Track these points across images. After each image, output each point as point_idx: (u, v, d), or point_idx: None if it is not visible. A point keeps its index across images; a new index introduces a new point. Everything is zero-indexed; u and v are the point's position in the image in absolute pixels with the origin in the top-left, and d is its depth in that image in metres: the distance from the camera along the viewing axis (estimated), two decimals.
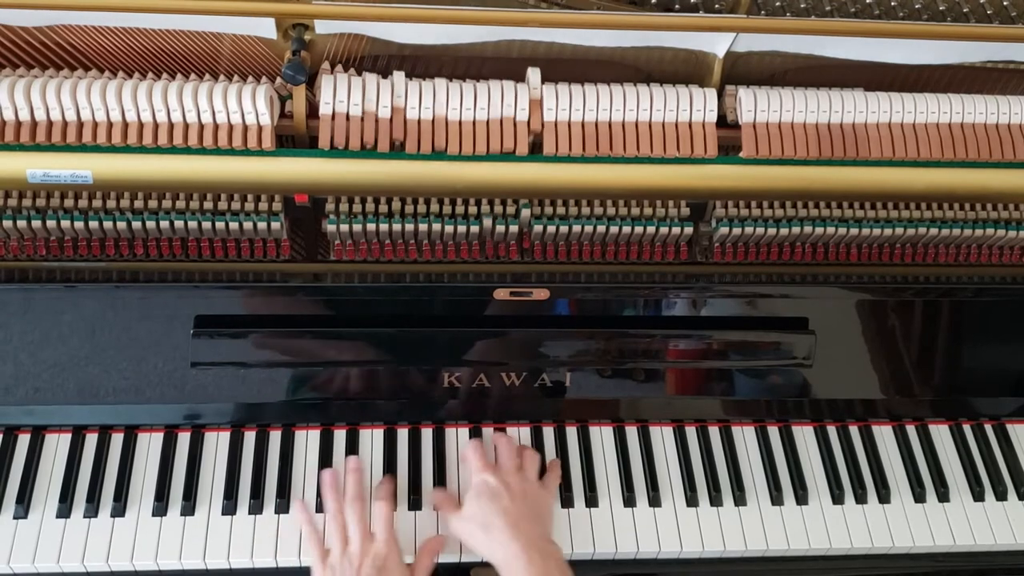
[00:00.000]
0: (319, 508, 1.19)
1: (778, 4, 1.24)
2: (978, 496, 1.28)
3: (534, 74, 1.18)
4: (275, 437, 1.25)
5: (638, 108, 1.18)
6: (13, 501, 1.17)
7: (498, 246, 1.24)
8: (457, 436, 1.27)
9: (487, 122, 1.17)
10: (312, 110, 1.16)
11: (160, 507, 1.18)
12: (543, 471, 1.24)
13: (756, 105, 1.20)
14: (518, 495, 1.15)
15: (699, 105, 1.19)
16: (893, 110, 1.22)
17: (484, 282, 1.22)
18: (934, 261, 1.31)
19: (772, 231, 1.25)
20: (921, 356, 1.32)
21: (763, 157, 1.20)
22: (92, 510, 1.17)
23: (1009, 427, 1.36)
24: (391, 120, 1.15)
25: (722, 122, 1.22)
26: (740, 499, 1.25)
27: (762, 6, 1.24)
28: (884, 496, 1.27)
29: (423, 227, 1.20)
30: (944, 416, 1.35)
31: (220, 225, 1.18)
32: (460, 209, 1.21)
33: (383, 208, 1.21)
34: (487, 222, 1.21)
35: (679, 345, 1.27)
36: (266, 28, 1.12)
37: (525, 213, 1.22)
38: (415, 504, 1.21)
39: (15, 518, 1.16)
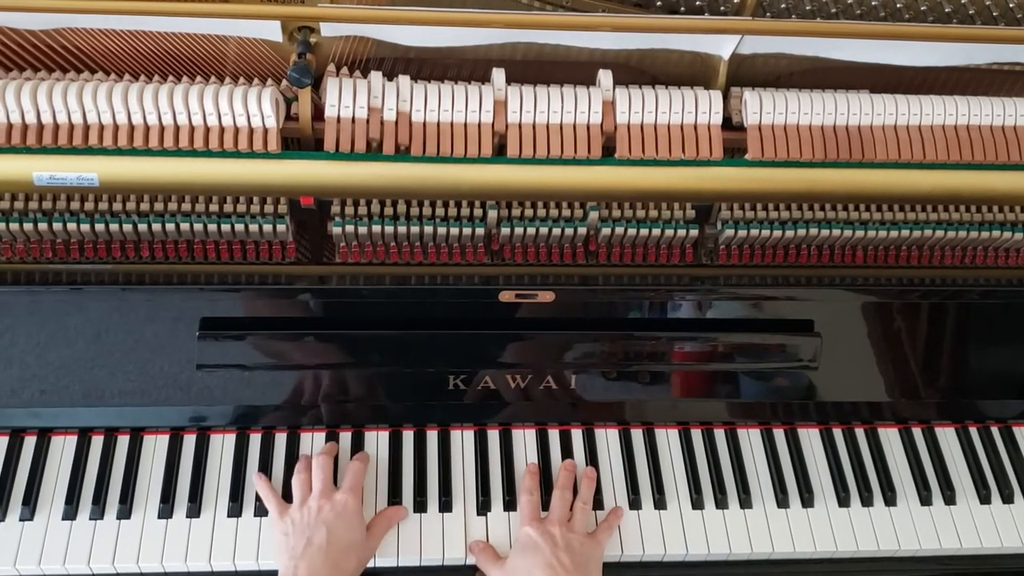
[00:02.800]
0: None
1: (783, 6, 1.25)
2: (984, 499, 1.28)
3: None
4: (280, 439, 1.25)
5: (643, 110, 1.18)
6: (19, 503, 1.17)
7: (503, 248, 1.24)
8: (462, 438, 1.27)
9: (492, 124, 1.17)
10: (318, 112, 1.17)
11: (166, 509, 1.18)
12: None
13: (761, 107, 1.20)
14: (561, 547, 1.13)
15: (704, 107, 1.19)
16: (899, 112, 1.22)
17: (489, 284, 1.22)
18: (940, 263, 1.31)
19: (777, 233, 1.25)
20: (927, 358, 1.32)
21: (769, 159, 1.20)
22: (98, 512, 1.17)
23: (1016, 430, 1.35)
24: (396, 122, 1.16)
25: (727, 124, 1.22)
26: (745, 502, 1.24)
27: (767, 8, 1.24)
28: (890, 499, 1.26)
29: (428, 229, 1.20)
30: (950, 419, 1.35)
31: (226, 227, 1.18)
32: (466, 211, 1.21)
33: (388, 210, 1.21)
34: (492, 224, 1.21)
35: (684, 347, 1.27)
36: (272, 31, 1.13)
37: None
38: (420, 506, 1.21)
39: (21, 520, 1.16)
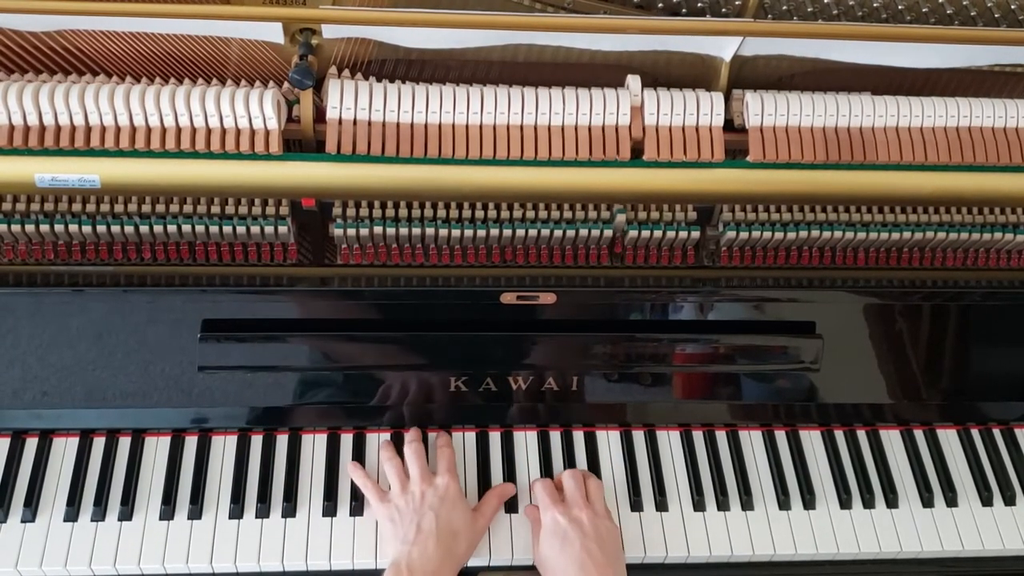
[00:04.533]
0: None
1: (785, 8, 1.24)
2: (986, 501, 1.28)
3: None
4: (282, 441, 1.25)
5: (644, 112, 1.18)
6: (21, 504, 1.17)
7: (505, 250, 1.24)
8: (463, 440, 1.27)
9: (494, 127, 1.17)
10: (319, 114, 1.17)
11: (167, 511, 1.18)
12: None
13: (763, 109, 1.20)
14: (591, 535, 1.12)
15: (706, 109, 1.19)
16: (900, 114, 1.22)
17: (491, 286, 1.22)
18: (942, 265, 1.31)
19: (779, 235, 1.25)
20: (929, 360, 1.32)
21: (770, 161, 1.20)
22: (99, 514, 1.17)
23: (1018, 431, 1.35)
24: (398, 124, 1.16)
25: (729, 126, 1.22)
26: (747, 504, 1.24)
27: (769, 10, 1.24)
28: (892, 501, 1.26)
29: (430, 231, 1.20)
30: (952, 420, 1.35)
31: (227, 229, 1.18)
32: (467, 213, 1.21)
33: (390, 212, 1.21)
34: (494, 226, 1.21)
35: (686, 349, 1.27)
36: (274, 33, 1.13)
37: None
38: None
39: (23, 521, 1.16)
